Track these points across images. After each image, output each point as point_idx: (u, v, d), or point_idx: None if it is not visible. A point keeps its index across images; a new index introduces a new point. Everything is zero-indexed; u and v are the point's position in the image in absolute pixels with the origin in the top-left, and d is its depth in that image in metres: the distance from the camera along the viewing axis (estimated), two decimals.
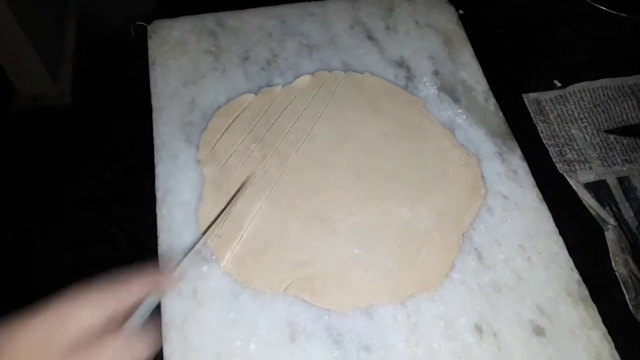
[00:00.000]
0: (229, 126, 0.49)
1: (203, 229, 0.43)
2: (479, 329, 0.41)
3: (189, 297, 0.41)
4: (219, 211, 0.44)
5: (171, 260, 0.41)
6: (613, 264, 0.47)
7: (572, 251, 0.45)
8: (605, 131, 0.54)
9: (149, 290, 0.32)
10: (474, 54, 0.56)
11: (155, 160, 0.47)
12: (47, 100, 0.61)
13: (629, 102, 0.56)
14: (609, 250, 0.47)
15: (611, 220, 0.49)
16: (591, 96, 0.56)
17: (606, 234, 0.48)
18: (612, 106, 0.55)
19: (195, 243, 0.42)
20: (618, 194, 0.50)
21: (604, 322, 0.42)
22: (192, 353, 0.38)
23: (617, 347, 0.41)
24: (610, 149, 0.53)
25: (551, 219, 0.47)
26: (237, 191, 0.45)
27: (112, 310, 0.29)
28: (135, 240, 0.50)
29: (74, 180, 0.54)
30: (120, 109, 0.59)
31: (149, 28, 0.55)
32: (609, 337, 0.42)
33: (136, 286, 0.31)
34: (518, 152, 0.50)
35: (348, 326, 0.40)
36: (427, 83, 0.53)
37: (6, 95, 0.60)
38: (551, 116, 0.55)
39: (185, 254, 0.40)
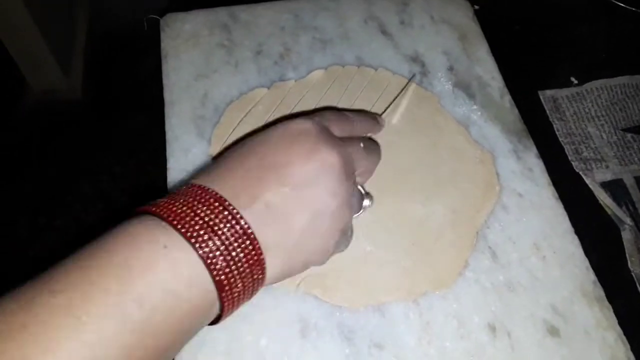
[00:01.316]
0: (241, 120, 0.48)
1: None
2: (492, 328, 0.40)
3: None
4: None
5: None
6: (629, 265, 0.46)
7: (588, 251, 0.44)
8: (623, 129, 0.53)
9: (368, 128, 0.42)
10: (489, 50, 0.55)
11: (167, 154, 0.47)
12: (58, 94, 0.61)
13: None
14: (625, 250, 0.47)
15: (628, 220, 0.48)
16: (608, 94, 0.55)
17: (622, 233, 0.47)
18: (630, 104, 0.55)
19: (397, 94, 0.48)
20: (635, 194, 0.50)
21: (620, 323, 0.41)
22: (203, 347, 0.38)
23: (633, 349, 0.40)
24: (627, 148, 0.52)
25: (567, 218, 0.46)
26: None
27: (347, 132, 0.37)
28: None
29: (84, 174, 0.54)
30: (131, 103, 0.59)
31: (162, 21, 0.55)
32: (624, 338, 0.41)
33: (360, 121, 0.40)
34: (534, 149, 0.49)
35: (360, 323, 0.40)
36: (442, 79, 0.53)
37: (18, 89, 0.60)
38: (567, 114, 0.54)
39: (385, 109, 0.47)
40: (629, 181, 0.50)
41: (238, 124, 0.48)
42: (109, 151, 0.56)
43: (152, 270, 0.25)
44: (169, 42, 0.53)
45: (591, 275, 0.43)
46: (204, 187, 0.29)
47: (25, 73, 0.62)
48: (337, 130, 0.35)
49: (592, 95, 0.55)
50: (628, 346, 0.40)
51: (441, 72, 0.53)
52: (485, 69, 0.54)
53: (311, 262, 0.33)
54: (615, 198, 0.49)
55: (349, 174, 0.33)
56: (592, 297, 0.42)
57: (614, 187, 0.50)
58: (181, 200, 0.28)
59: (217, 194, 0.28)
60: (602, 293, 0.43)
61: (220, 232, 0.27)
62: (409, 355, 0.39)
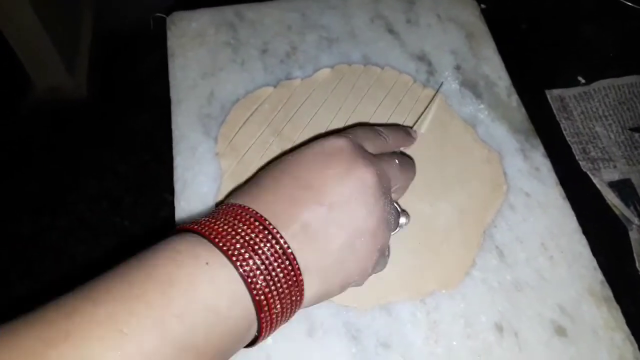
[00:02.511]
0: (247, 119, 0.48)
1: None
2: (499, 328, 0.40)
3: None
4: None
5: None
6: (637, 265, 0.46)
7: (595, 251, 0.44)
8: (631, 129, 0.53)
9: (401, 142, 0.42)
10: (496, 49, 0.55)
11: (174, 152, 0.47)
12: (62, 92, 0.61)
13: None
14: (633, 250, 0.46)
15: (636, 220, 0.48)
16: (616, 93, 0.55)
17: (630, 233, 0.47)
18: (638, 104, 0.54)
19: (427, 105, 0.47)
20: None
21: (628, 323, 0.41)
22: None
23: None
24: (635, 148, 0.52)
25: (574, 218, 0.46)
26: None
27: (380, 149, 0.37)
28: (148, 233, 0.50)
29: (88, 172, 0.54)
30: (135, 102, 0.59)
31: (168, 19, 0.55)
32: (632, 338, 0.41)
33: (393, 136, 0.40)
34: (541, 149, 0.49)
35: (366, 322, 0.40)
36: (449, 78, 0.52)
37: (23, 87, 0.60)
38: (575, 113, 0.54)
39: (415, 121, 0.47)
40: (636, 181, 0.50)
41: (244, 122, 0.48)
42: (112, 149, 0.55)
43: (193, 286, 0.25)
44: (175, 41, 0.53)
45: (599, 275, 0.43)
46: (244, 206, 0.29)
47: (30, 71, 0.62)
48: (371, 147, 0.35)
49: (599, 94, 0.55)
50: (636, 346, 0.40)
51: (448, 71, 0.53)
52: (492, 68, 0.54)
53: (349, 283, 0.33)
54: (623, 198, 0.49)
55: (385, 191, 0.33)
56: (600, 297, 0.42)
57: (622, 187, 0.49)
58: (222, 219, 0.28)
59: (257, 213, 0.29)
60: (610, 293, 0.42)
61: (260, 252, 0.27)
62: (416, 355, 0.39)
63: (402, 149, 0.44)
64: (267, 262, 0.27)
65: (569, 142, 0.52)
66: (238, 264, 0.26)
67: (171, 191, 0.46)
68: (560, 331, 0.40)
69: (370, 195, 0.32)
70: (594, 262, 0.44)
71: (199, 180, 0.45)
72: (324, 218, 0.30)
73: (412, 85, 0.52)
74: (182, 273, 0.25)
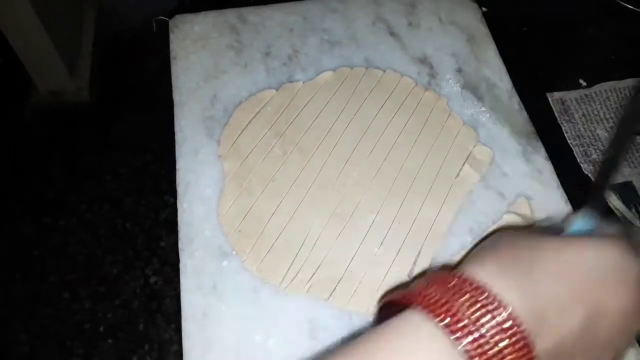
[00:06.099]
0: (250, 121, 0.49)
1: (224, 223, 0.43)
2: None
3: (209, 291, 0.40)
4: (239, 206, 0.44)
5: None
6: None
7: None
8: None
9: None
10: (497, 51, 0.55)
11: (177, 154, 0.47)
12: (64, 96, 0.61)
13: None
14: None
15: (637, 222, 0.48)
16: (617, 96, 0.55)
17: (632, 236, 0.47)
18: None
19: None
20: None
21: None
22: (212, 348, 0.38)
23: None
24: (636, 150, 0.52)
25: None
26: None
27: None
28: (149, 235, 0.50)
29: (89, 175, 0.54)
30: (137, 104, 0.59)
31: (171, 23, 0.55)
32: (635, 342, 0.41)
33: None
34: (542, 152, 0.49)
35: (369, 325, 0.40)
36: (450, 80, 0.53)
37: (25, 91, 0.60)
38: (576, 116, 0.54)
39: None
40: (638, 183, 0.50)
41: (247, 125, 0.48)
42: (114, 152, 0.56)
43: None
44: (177, 44, 0.54)
45: None
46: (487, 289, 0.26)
47: (32, 74, 0.62)
48: None
49: (600, 97, 0.55)
50: None
51: (449, 73, 0.53)
52: (494, 70, 0.54)
53: None
54: (624, 200, 0.49)
55: None
56: None
57: (624, 190, 0.50)
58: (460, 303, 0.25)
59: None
60: None
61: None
62: None
63: None
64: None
65: (571, 145, 0.52)
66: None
67: (172, 193, 0.46)
68: None
69: None
70: None
71: (201, 183, 0.45)
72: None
73: (413, 88, 0.52)
74: None
